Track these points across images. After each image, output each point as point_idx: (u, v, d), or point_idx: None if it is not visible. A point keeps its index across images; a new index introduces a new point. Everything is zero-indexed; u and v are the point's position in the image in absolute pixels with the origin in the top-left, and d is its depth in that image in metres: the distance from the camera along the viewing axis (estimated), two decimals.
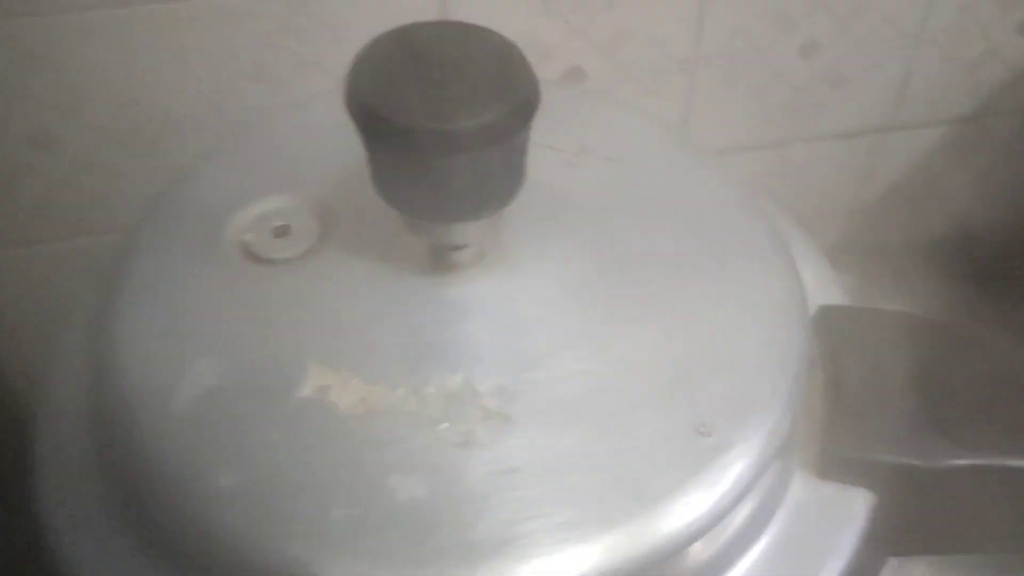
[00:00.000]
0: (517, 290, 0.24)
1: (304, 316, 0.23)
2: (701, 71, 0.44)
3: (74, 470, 0.24)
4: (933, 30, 0.45)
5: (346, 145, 0.26)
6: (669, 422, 0.22)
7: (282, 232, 0.25)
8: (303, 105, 0.29)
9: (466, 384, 0.22)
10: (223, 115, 0.39)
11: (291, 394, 0.22)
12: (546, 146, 0.27)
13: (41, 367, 0.27)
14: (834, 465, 0.23)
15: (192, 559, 0.21)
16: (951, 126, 0.50)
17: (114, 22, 0.35)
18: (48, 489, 0.24)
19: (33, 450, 0.25)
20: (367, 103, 0.20)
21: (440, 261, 0.24)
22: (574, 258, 0.25)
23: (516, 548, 0.20)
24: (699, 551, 0.21)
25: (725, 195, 0.27)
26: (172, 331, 0.23)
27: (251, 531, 0.20)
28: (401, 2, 0.36)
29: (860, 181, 0.52)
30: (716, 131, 0.47)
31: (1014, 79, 0.49)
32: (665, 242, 0.25)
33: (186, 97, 0.38)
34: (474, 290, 0.24)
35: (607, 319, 0.23)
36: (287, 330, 0.23)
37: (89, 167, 0.39)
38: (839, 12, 0.43)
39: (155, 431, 0.22)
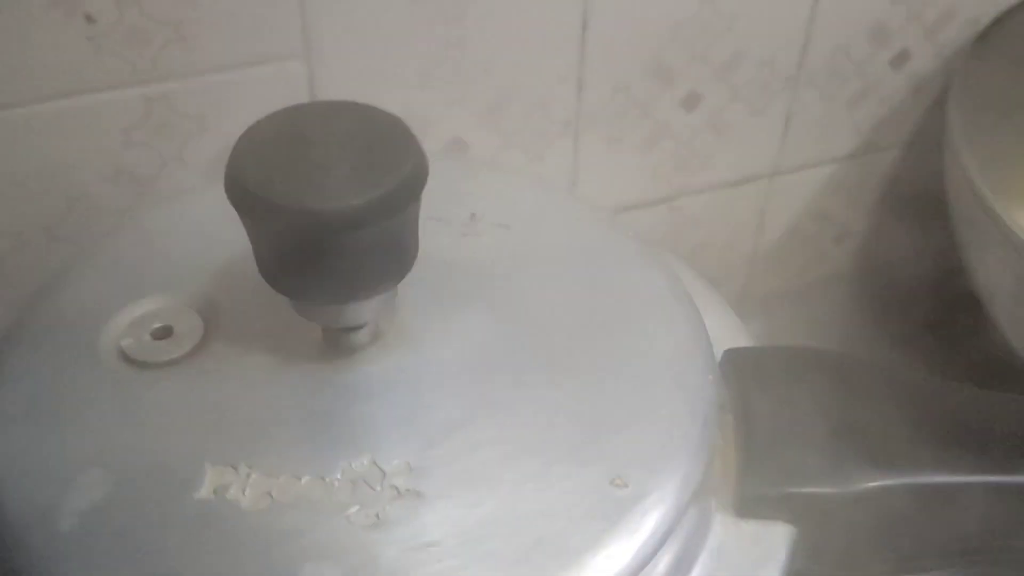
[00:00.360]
0: (418, 366, 0.26)
1: (195, 416, 0.25)
2: (585, 131, 0.47)
3: None
4: (810, 71, 0.50)
5: (222, 238, 0.28)
6: (584, 478, 0.23)
7: (163, 334, 0.26)
8: (170, 202, 0.31)
9: (372, 465, 0.24)
10: (80, 226, 0.40)
11: (188, 497, 0.23)
12: (434, 218, 0.29)
13: None
14: (751, 503, 0.26)
15: None
16: (837, 164, 0.55)
17: None
18: None
19: None
20: (249, 188, 0.22)
21: (335, 345, 0.26)
22: (474, 328, 0.27)
23: None
24: None
25: (623, 251, 0.29)
26: (52, 447, 0.24)
27: None
28: (268, 89, 0.39)
29: (755, 227, 0.56)
30: (605, 190, 0.50)
31: (892, 114, 0.54)
32: (566, 303, 0.27)
33: (36, 211, 0.39)
34: (373, 371, 0.26)
35: (513, 385, 0.25)
36: (177, 433, 0.24)
37: None
38: (716, 62, 0.47)
39: (43, 554, 0.22)
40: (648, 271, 0.29)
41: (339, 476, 0.23)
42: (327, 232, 0.22)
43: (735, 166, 0.52)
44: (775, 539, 0.26)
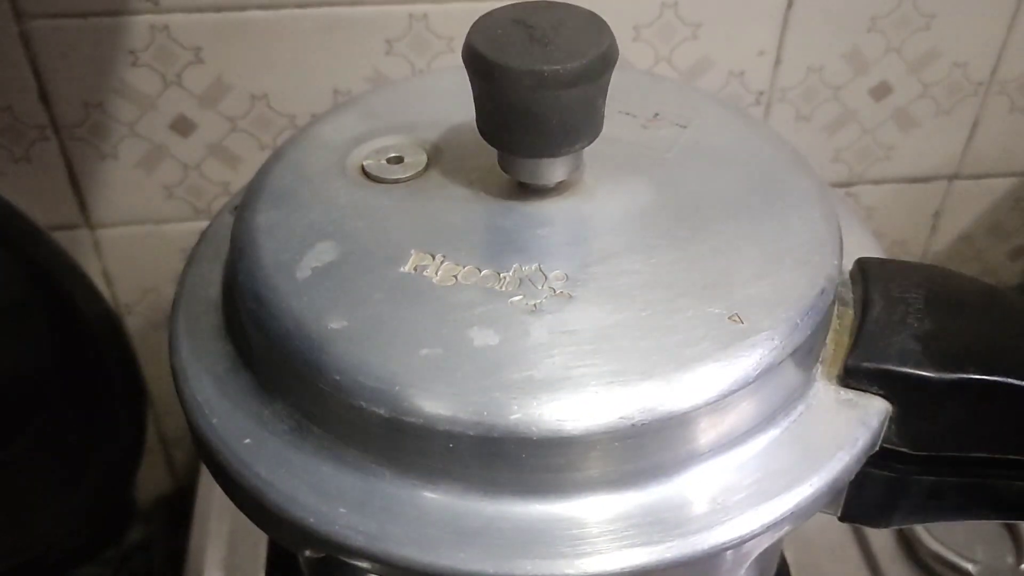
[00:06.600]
0: (589, 210, 0.30)
1: (409, 218, 0.30)
2: (776, 104, 0.50)
3: (204, 332, 0.31)
4: (1002, 80, 0.50)
5: (450, 104, 0.33)
6: (707, 310, 0.27)
7: (395, 161, 0.32)
8: (424, 74, 0.36)
9: (538, 270, 0.28)
10: None
11: (393, 269, 0.28)
12: (623, 112, 0.34)
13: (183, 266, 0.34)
14: (853, 374, 0.28)
15: (302, 387, 0.27)
16: (1019, 179, 0.55)
17: None
18: (183, 345, 0.30)
19: (173, 321, 0.31)
20: (478, 51, 0.27)
21: (526, 188, 0.30)
22: (640, 192, 0.31)
23: (570, 385, 0.25)
24: (722, 420, 0.26)
25: (783, 158, 0.33)
26: (300, 222, 0.30)
27: (354, 361, 0.26)
28: None
29: (928, 229, 0.56)
30: None
31: None
32: (723, 188, 0.31)
33: (305, 101, 0.47)
34: (553, 207, 0.30)
35: (662, 236, 0.29)
36: (394, 226, 0.30)
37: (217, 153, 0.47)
38: (910, 56, 0.49)
39: (283, 291, 0.28)
40: (802, 178, 0.32)
41: (511, 273, 0.28)
42: (532, 89, 0.26)
43: (915, 163, 0.53)
44: (870, 408, 0.28)
